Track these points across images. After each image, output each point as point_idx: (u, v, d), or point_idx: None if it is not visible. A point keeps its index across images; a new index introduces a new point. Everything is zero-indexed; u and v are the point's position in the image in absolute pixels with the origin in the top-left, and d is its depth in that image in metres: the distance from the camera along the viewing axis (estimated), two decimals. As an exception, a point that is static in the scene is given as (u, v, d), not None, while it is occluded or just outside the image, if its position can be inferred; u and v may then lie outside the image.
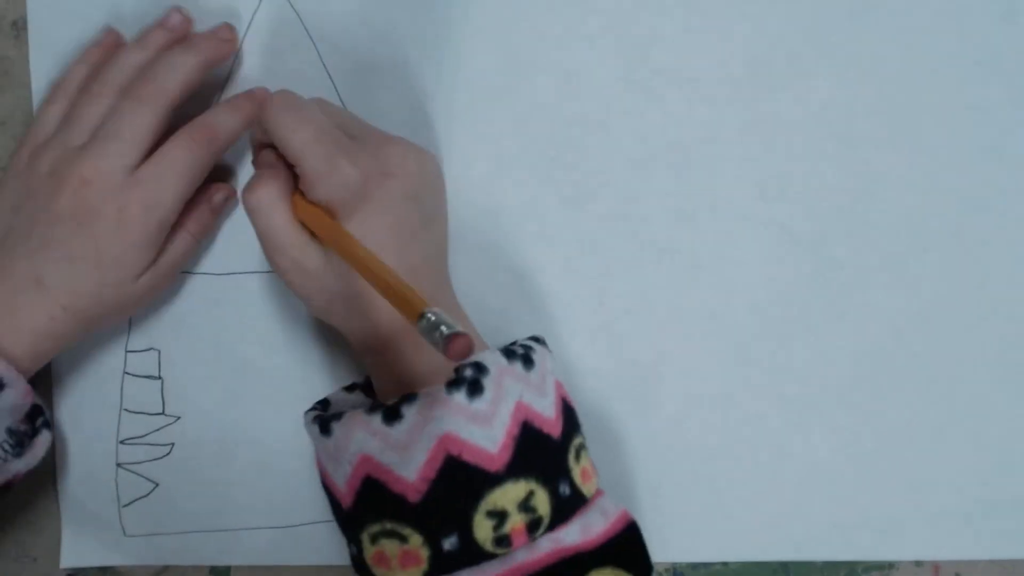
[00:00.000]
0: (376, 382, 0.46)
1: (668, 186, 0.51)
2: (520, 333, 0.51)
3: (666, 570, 0.52)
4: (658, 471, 0.51)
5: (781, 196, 0.51)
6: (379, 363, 0.45)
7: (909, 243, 0.51)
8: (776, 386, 0.51)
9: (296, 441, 0.52)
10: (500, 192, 0.51)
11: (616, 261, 0.51)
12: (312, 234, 0.44)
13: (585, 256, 0.51)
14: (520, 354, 0.42)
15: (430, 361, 0.43)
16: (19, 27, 0.53)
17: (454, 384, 0.40)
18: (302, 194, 0.44)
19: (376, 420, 0.40)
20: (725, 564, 0.52)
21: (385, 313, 0.43)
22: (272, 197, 0.44)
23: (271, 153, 0.46)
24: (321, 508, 0.52)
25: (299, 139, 0.43)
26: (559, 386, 0.44)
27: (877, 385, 0.51)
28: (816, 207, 0.51)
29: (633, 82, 0.51)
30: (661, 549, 0.52)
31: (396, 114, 0.51)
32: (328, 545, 0.53)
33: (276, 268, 0.45)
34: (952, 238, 0.51)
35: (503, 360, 0.41)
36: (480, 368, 0.40)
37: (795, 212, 0.51)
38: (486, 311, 0.51)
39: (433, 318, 0.36)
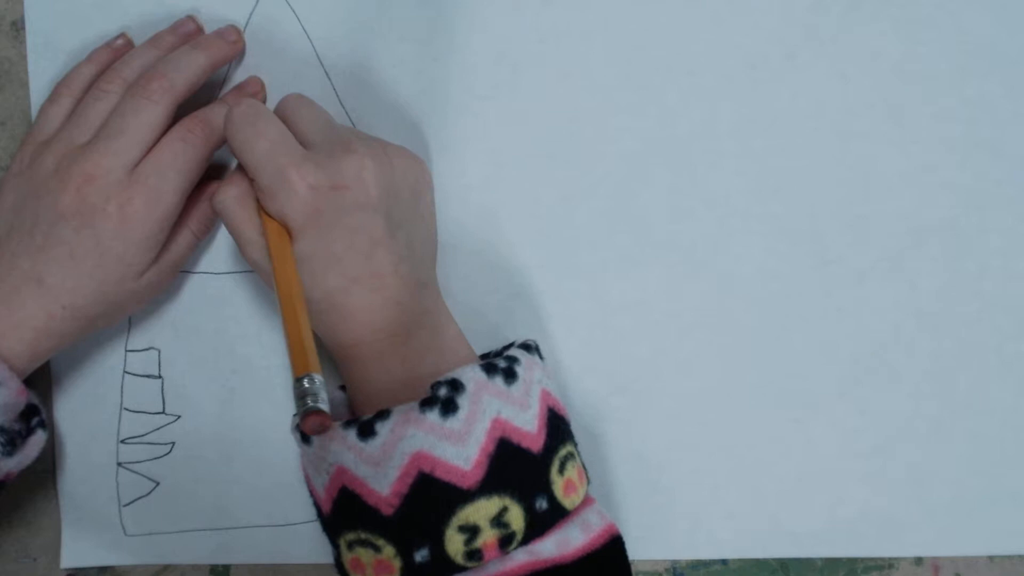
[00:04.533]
0: (347, 388, 0.46)
1: (665, 183, 0.51)
2: (517, 331, 0.51)
3: (666, 569, 0.52)
4: (656, 469, 0.51)
5: (778, 191, 0.51)
6: (344, 369, 0.45)
7: (907, 238, 0.51)
8: (774, 382, 0.51)
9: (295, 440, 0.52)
10: (497, 190, 0.51)
11: (613, 258, 0.51)
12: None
13: (582, 253, 0.51)
14: (502, 368, 0.42)
15: (391, 375, 0.44)
16: (18, 27, 0.53)
17: (428, 403, 0.40)
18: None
19: (351, 435, 0.41)
20: (724, 562, 0.52)
21: (350, 323, 0.44)
22: (235, 198, 0.45)
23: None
24: (321, 507, 0.52)
25: (250, 155, 0.44)
26: (546, 396, 0.43)
27: (876, 381, 0.51)
28: (814, 202, 0.51)
29: (630, 78, 0.51)
30: (660, 547, 0.52)
31: (393, 112, 0.51)
32: (327, 543, 0.53)
33: (249, 263, 0.45)
34: (950, 233, 0.51)
35: (482, 376, 0.41)
36: (456, 386, 0.41)
37: (793, 207, 0.51)
38: (483, 309, 0.51)
39: (308, 385, 0.39)
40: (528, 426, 0.42)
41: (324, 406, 0.38)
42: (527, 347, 0.45)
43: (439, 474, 0.40)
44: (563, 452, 0.43)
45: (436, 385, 0.41)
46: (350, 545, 0.42)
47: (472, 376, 0.41)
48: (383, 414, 0.40)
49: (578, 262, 0.51)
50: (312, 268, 0.43)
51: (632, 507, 0.51)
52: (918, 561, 0.52)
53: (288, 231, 0.43)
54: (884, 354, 0.51)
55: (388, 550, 0.40)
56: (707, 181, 0.51)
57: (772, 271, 0.51)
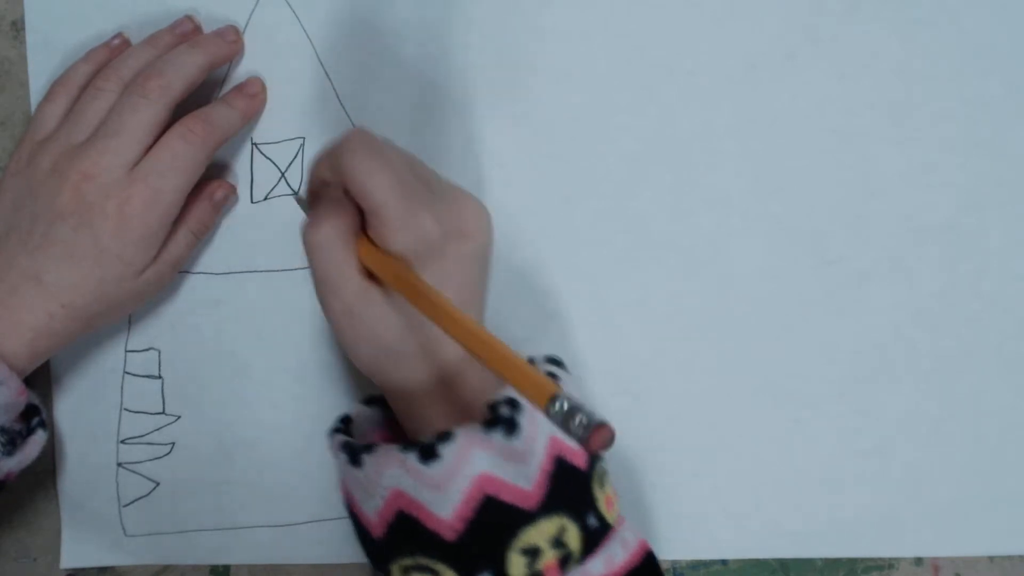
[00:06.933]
0: (403, 418, 0.44)
1: (666, 182, 0.51)
2: (518, 331, 0.51)
3: (666, 569, 0.52)
4: (656, 469, 0.51)
5: (779, 192, 0.51)
6: (404, 402, 0.44)
7: (907, 238, 0.51)
8: (775, 383, 0.51)
9: (296, 440, 0.52)
10: (498, 190, 0.51)
11: (614, 258, 0.51)
12: (372, 279, 0.42)
13: (583, 253, 0.51)
14: None
15: (453, 406, 0.43)
16: (18, 27, 0.53)
17: (491, 423, 0.39)
18: (369, 239, 0.41)
19: (411, 458, 0.39)
20: (724, 562, 0.52)
21: (431, 366, 0.42)
22: (337, 235, 0.41)
23: (337, 191, 0.42)
24: (321, 506, 0.52)
25: (380, 185, 0.40)
26: None
27: (876, 381, 0.51)
28: (814, 202, 0.51)
29: (630, 78, 0.51)
30: (661, 547, 0.52)
31: (393, 112, 0.51)
32: (328, 543, 0.53)
33: (327, 310, 0.42)
34: (950, 233, 0.51)
35: None
36: (515, 405, 0.39)
37: (793, 208, 0.51)
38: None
39: (566, 405, 0.33)
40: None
41: (603, 417, 0.33)
42: (556, 363, 0.44)
43: (504, 496, 0.39)
44: (599, 466, 0.42)
45: (495, 405, 0.40)
46: (405, 570, 0.40)
47: None
48: (445, 436, 0.39)
49: (579, 261, 0.51)
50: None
51: (632, 507, 0.51)
52: (918, 561, 0.52)
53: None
54: (884, 354, 0.51)
55: (448, 575, 0.39)
56: (707, 181, 0.51)
57: (772, 271, 0.51)
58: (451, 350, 0.42)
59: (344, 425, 0.44)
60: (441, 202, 0.41)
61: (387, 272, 0.40)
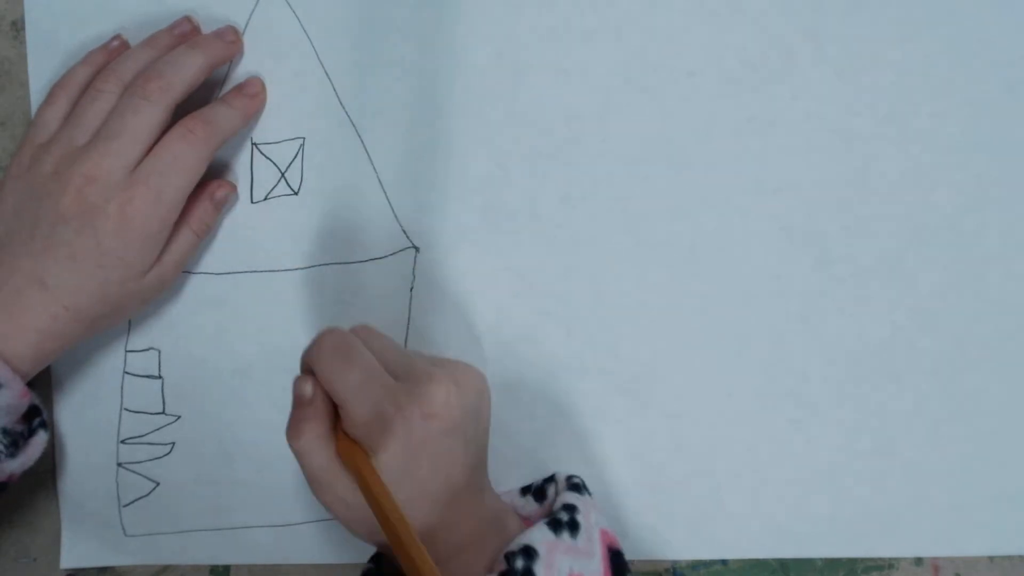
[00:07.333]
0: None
1: (665, 183, 0.51)
2: (518, 332, 0.51)
3: (666, 570, 0.52)
4: (657, 469, 0.51)
5: (779, 192, 0.51)
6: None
7: (907, 238, 0.51)
8: (774, 383, 0.51)
9: (296, 440, 0.52)
10: (497, 190, 0.51)
11: (614, 258, 0.51)
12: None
13: (583, 253, 0.51)
14: (566, 521, 0.42)
15: (462, 548, 0.43)
16: (18, 27, 0.53)
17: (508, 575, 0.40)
18: (345, 433, 0.43)
19: None
20: (724, 563, 0.52)
21: (434, 523, 0.43)
22: (316, 439, 0.42)
23: (311, 384, 0.44)
24: (321, 506, 0.52)
25: (346, 385, 0.42)
26: (604, 536, 0.43)
27: (876, 381, 0.51)
28: (814, 203, 0.51)
29: (630, 79, 0.51)
30: (660, 548, 0.52)
31: (393, 112, 0.51)
32: (328, 544, 0.53)
33: (321, 502, 0.44)
34: (950, 233, 0.51)
35: (551, 536, 0.41)
36: (530, 554, 0.40)
37: (793, 208, 0.51)
38: (482, 308, 0.51)
39: None
40: (596, 574, 0.42)
41: None
42: (576, 487, 0.45)
43: None
44: None
45: (511, 556, 0.40)
46: None
47: (542, 538, 0.41)
48: None
49: (579, 262, 0.51)
50: (392, 488, 0.42)
51: (632, 507, 0.51)
52: (918, 561, 0.52)
53: (373, 452, 0.42)
54: (884, 354, 0.51)
55: None
56: (707, 181, 0.51)
57: (772, 271, 0.51)
58: (438, 510, 0.43)
59: (375, 564, 0.45)
60: (407, 391, 0.42)
61: (355, 467, 0.42)
